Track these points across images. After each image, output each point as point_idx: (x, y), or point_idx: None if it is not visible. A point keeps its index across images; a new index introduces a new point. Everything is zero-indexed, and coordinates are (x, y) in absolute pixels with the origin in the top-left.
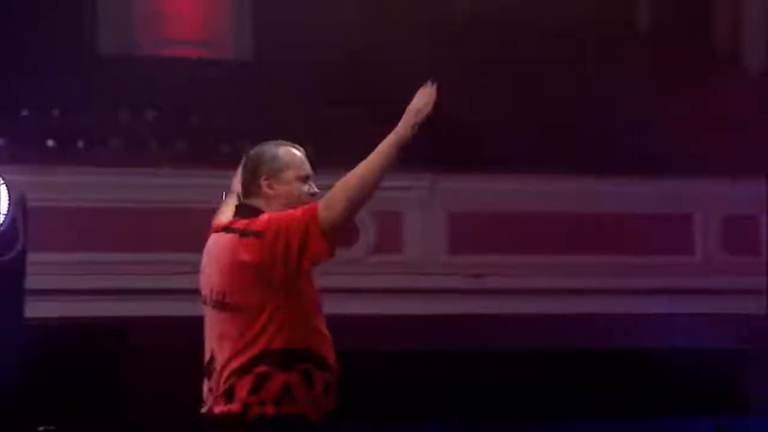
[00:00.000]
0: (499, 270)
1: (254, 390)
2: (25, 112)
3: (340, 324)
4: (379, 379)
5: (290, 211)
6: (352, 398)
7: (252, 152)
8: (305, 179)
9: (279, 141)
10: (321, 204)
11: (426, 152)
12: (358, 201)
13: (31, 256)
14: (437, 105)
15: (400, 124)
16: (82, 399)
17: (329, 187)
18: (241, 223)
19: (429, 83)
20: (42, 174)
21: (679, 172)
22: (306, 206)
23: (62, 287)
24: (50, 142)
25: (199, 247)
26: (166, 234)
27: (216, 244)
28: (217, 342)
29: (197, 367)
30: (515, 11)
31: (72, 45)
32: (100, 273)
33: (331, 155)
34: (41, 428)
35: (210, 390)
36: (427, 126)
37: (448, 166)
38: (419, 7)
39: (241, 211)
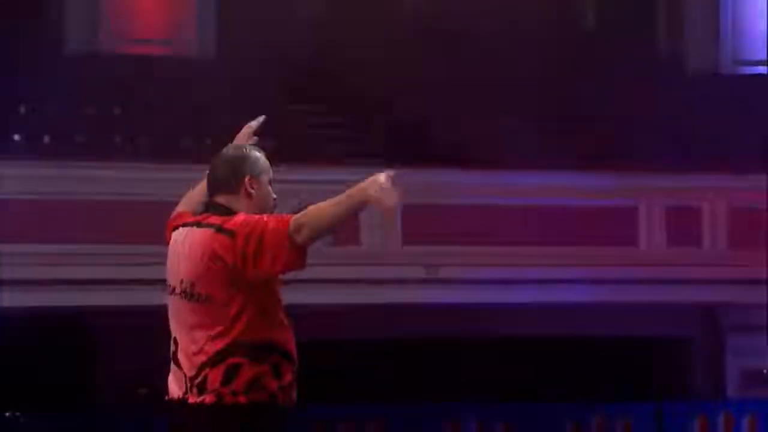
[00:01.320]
0: (451, 260)
1: (226, 381)
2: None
3: (298, 314)
4: (338, 367)
5: (262, 217)
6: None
7: (232, 152)
8: (271, 183)
9: (248, 144)
10: (292, 224)
11: (382, 146)
12: (321, 235)
13: (1, 247)
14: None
15: (366, 186)
16: (46, 386)
17: (292, 182)
18: (215, 219)
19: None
20: (9, 167)
21: (625, 167)
22: (278, 218)
23: (28, 278)
24: (17, 137)
25: (160, 239)
26: (129, 226)
27: (187, 237)
28: (187, 332)
29: (157, 354)
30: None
31: (38, 42)
32: (64, 264)
33: (292, 151)
34: (7, 414)
35: (178, 379)
36: (382, 121)
37: (403, 160)
38: (375, 4)
39: (213, 208)
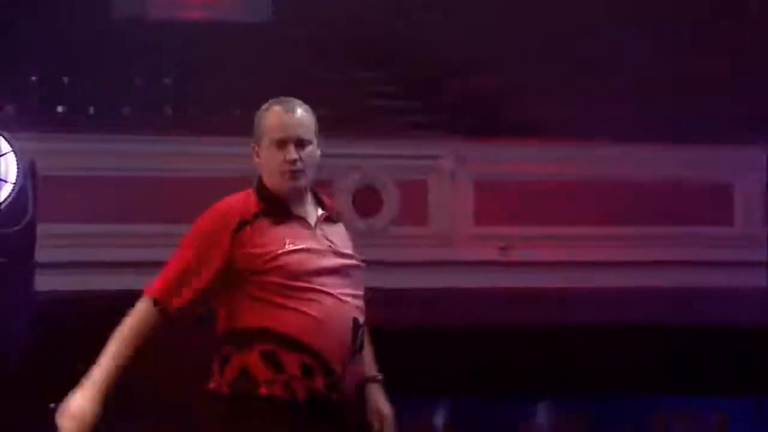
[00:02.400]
0: (527, 241)
1: (219, 370)
2: (34, 78)
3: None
4: (403, 356)
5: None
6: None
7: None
8: (281, 144)
9: (275, 99)
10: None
11: (451, 119)
12: None
13: (41, 228)
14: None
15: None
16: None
17: (351, 155)
18: None
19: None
20: (52, 141)
21: (718, 140)
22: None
23: (70, 260)
24: (60, 108)
25: None
26: (181, 204)
27: None
28: None
29: (205, 342)
30: None
31: (84, 8)
32: (109, 245)
33: (350, 121)
34: (53, 405)
35: None
36: (452, 93)
37: (475, 133)
38: None
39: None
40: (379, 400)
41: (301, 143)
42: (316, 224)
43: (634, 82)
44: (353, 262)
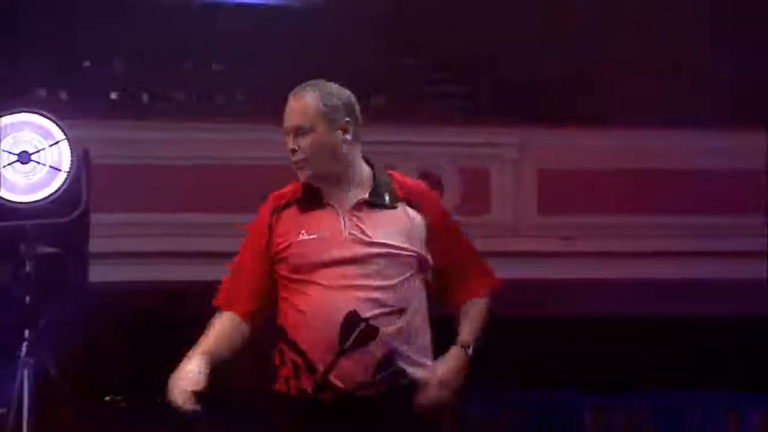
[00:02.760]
0: (591, 231)
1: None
2: (86, 63)
3: None
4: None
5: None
6: None
7: None
8: (287, 134)
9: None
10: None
11: (514, 106)
12: None
13: (94, 217)
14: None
15: None
16: (143, 367)
17: (403, 143)
18: None
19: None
20: (105, 129)
21: None
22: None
23: (123, 250)
24: (113, 95)
25: None
26: (233, 193)
27: None
28: None
29: (264, 335)
30: None
31: None
32: (163, 235)
33: (401, 108)
34: (107, 398)
35: None
36: (514, 79)
37: (539, 121)
38: None
39: None
40: (442, 363)
41: (300, 131)
42: (349, 211)
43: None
44: (383, 250)
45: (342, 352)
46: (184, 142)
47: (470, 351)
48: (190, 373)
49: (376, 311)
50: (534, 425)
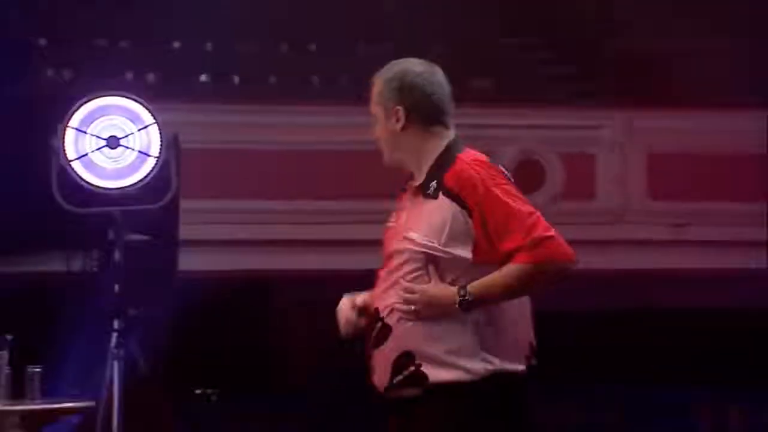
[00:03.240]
0: (703, 218)
1: None
2: (176, 45)
3: None
4: (569, 342)
5: None
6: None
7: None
8: None
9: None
10: None
11: (620, 86)
12: None
13: (184, 204)
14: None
15: None
16: (235, 359)
17: (511, 126)
18: None
19: None
20: (194, 113)
21: None
22: None
23: (215, 238)
24: (204, 77)
25: (367, 193)
26: (328, 180)
27: None
28: None
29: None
30: None
31: None
32: (256, 222)
33: (508, 91)
34: (198, 391)
35: None
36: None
37: (648, 103)
38: None
39: None
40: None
41: (373, 119)
42: (408, 199)
43: None
44: (406, 246)
45: (363, 354)
46: (277, 126)
47: (463, 297)
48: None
49: (390, 308)
50: (646, 420)
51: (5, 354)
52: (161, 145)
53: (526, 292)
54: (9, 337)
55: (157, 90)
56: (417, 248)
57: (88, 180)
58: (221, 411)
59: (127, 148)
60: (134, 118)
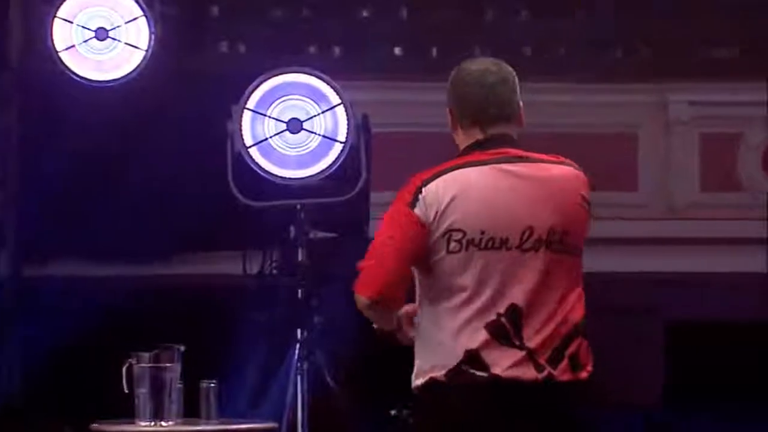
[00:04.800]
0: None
1: (588, 353)
2: (365, 13)
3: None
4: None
5: None
6: None
7: (504, 68)
8: None
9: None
10: None
11: None
12: None
13: (375, 196)
14: None
15: None
16: None
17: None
18: (568, 161)
19: None
20: (387, 90)
21: None
22: None
23: None
24: (397, 51)
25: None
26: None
27: (531, 173)
28: (546, 295)
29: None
30: None
31: None
32: None
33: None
34: (393, 412)
35: (515, 356)
36: None
37: None
38: None
39: (501, 140)
40: None
41: None
42: None
43: None
44: None
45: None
46: None
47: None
48: None
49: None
50: None
51: (177, 367)
52: (349, 128)
53: (372, 320)
54: (181, 347)
55: (343, 65)
56: None
57: (267, 169)
58: None
59: (311, 132)
60: (318, 97)
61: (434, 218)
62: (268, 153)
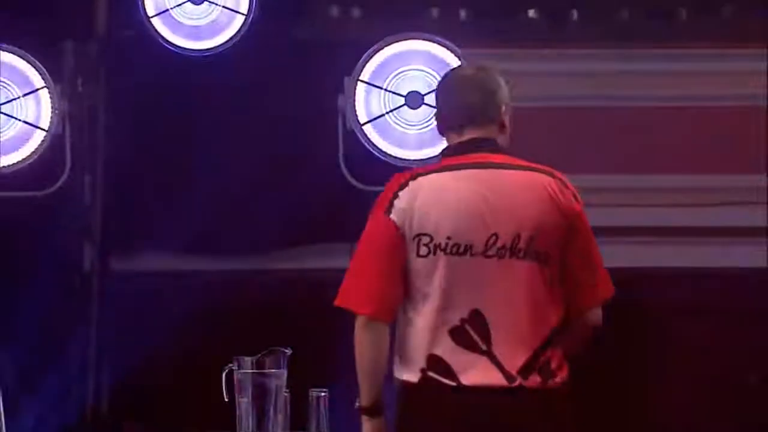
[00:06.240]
0: None
1: (562, 364)
2: None
3: None
4: None
5: None
6: None
7: (481, 73)
8: None
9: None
10: None
11: None
12: None
13: None
14: None
15: None
16: None
17: None
18: (540, 167)
19: None
20: (518, 59)
21: None
22: None
23: None
24: (531, 13)
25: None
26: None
27: (498, 180)
28: (519, 302)
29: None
30: None
31: None
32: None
33: None
34: None
35: (484, 365)
36: None
37: None
38: None
39: (480, 144)
40: None
41: None
42: None
43: None
44: None
45: None
46: (626, 75)
47: None
48: None
49: None
50: None
51: (284, 373)
52: None
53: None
54: (287, 350)
55: (469, 31)
56: None
57: (384, 149)
58: None
59: (433, 107)
60: (441, 68)
61: (407, 223)
62: (385, 132)
